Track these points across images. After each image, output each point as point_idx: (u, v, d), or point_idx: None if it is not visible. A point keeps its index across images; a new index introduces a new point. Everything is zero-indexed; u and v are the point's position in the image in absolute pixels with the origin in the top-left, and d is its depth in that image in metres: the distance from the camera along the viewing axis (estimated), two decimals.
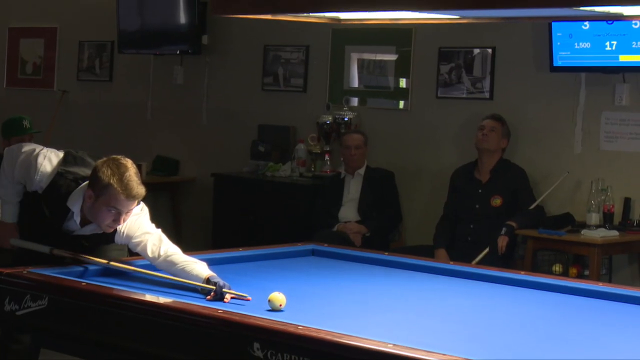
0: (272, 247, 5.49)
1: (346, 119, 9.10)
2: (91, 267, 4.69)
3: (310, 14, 4.66)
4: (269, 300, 4.06)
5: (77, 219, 5.09)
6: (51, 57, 11.64)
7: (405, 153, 8.94)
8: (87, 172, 5.05)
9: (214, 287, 4.39)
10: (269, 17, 4.68)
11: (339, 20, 4.90)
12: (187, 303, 4.00)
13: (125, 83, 10.95)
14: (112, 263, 4.80)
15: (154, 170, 10.27)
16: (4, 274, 4.32)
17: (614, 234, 7.55)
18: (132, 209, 4.96)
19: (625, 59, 7.73)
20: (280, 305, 4.05)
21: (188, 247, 5.22)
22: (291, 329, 3.57)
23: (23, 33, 11.94)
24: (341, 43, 9.44)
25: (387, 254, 5.78)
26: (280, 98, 9.88)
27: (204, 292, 4.44)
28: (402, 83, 9.15)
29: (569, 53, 7.97)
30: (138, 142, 10.47)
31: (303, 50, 9.73)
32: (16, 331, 5.28)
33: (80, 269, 4.62)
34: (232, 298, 4.34)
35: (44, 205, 5.13)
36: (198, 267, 4.72)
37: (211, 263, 4.95)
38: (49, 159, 5.14)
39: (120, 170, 4.87)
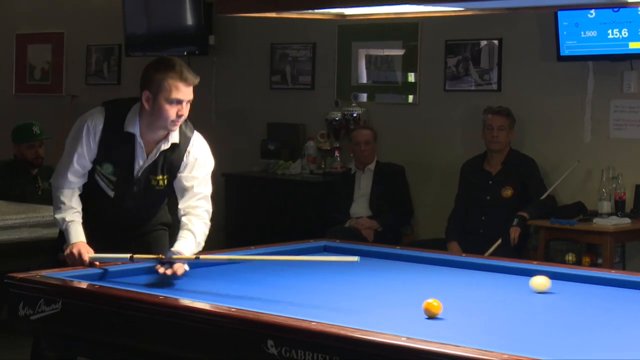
0: (285, 245, 5.49)
1: (355, 115, 9.10)
2: (109, 269, 4.66)
3: (315, 11, 4.66)
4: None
5: (141, 141, 5.16)
6: (59, 62, 11.66)
7: (414, 147, 8.94)
8: (127, 101, 5.27)
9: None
10: (274, 15, 4.68)
11: (344, 15, 4.89)
12: (200, 302, 3.98)
13: (134, 86, 10.86)
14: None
15: None
16: (17, 278, 4.31)
17: (626, 221, 7.54)
18: (190, 99, 5.06)
19: (633, 46, 7.71)
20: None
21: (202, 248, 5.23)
22: (305, 325, 3.56)
23: (31, 39, 11.96)
24: (348, 39, 9.44)
25: (399, 248, 5.78)
26: (288, 96, 9.88)
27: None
28: (410, 77, 9.16)
29: (575, 42, 7.96)
30: None
31: (310, 47, 9.74)
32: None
33: (96, 271, 4.60)
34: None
35: (108, 161, 5.19)
36: (182, 245, 4.92)
37: (218, 263, 5.02)
38: (93, 112, 5.25)
39: (170, 62, 5.04)
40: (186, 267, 4.70)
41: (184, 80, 5.00)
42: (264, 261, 5.08)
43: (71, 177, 5.21)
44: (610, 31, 7.80)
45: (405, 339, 3.37)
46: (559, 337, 3.76)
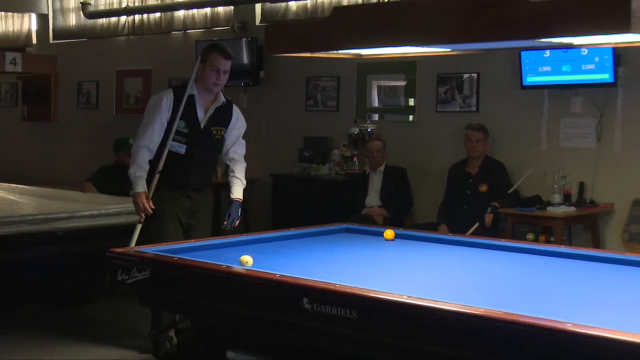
0: (315, 227, 5.50)
1: (369, 130, 9.10)
2: (185, 245, 4.68)
3: (339, 51, 4.66)
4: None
5: (199, 100, 5.68)
6: (147, 90, 11.70)
7: (414, 154, 8.93)
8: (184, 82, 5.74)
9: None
10: (308, 55, 4.68)
11: (361, 55, 4.89)
12: (253, 270, 3.99)
13: None
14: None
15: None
16: (117, 252, 4.34)
17: (572, 209, 7.53)
18: (228, 70, 5.63)
19: (577, 78, 7.71)
20: (247, 262, 4.08)
21: (254, 231, 5.27)
22: (331, 287, 3.57)
23: (127, 74, 12.01)
24: (364, 73, 9.44)
25: (402, 229, 5.78)
26: (319, 116, 9.89)
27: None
28: (410, 102, 9.14)
29: (534, 75, 7.94)
30: None
31: (335, 79, 9.74)
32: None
33: (175, 246, 4.62)
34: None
35: (181, 119, 5.61)
36: (234, 187, 5.84)
37: (267, 240, 5.05)
38: (158, 95, 5.80)
39: (217, 43, 5.80)
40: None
41: (223, 54, 5.61)
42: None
43: (150, 137, 5.64)
44: (560, 67, 7.78)
45: (406, 297, 3.38)
46: (524, 295, 3.77)
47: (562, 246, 5.44)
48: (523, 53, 7.87)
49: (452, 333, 3.17)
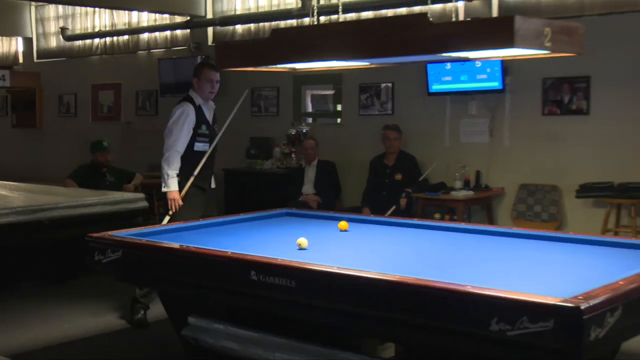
0: (259, 212, 5.45)
1: (304, 131, 9.09)
2: (151, 230, 4.62)
3: (278, 66, 4.63)
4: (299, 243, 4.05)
5: (204, 106, 5.89)
6: (118, 101, 11.56)
7: (341, 150, 8.95)
8: (186, 94, 5.93)
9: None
10: (252, 69, 4.63)
11: (295, 69, 4.86)
12: (209, 249, 3.94)
13: (166, 116, 10.84)
14: None
15: None
16: (94, 237, 4.27)
17: (470, 193, 7.62)
18: (219, 80, 5.88)
19: (473, 85, 7.78)
20: (302, 244, 4.03)
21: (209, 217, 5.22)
22: (273, 261, 3.55)
23: (100, 87, 11.86)
24: (299, 84, 9.43)
25: (332, 212, 5.78)
26: (262, 120, 9.85)
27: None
28: (338, 107, 9.16)
29: (439, 84, 8.00)
30: None
31: (275, 89, 9.71)
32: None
33: (143, 231, 4.55)
34: None
35: (197, 126, 5.82)
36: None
37: (220, 224, 4.98)
38: (182, 107, 5.84)
39: (204, 61, 5.98)
40: None
41: (213, 68, 5.82)
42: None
43: (184, 142, 5.76)
44: (459, 77, 7.85)
45: (336, 268, 3.37)
46: (434, 263, 3.77)
47: (463, 223, 5.47)
48: (429, 66, 7.93)
49: (373, 296, 3.17)
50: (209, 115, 5.93)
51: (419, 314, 3.02)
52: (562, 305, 2.67)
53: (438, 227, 4.85)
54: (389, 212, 7.36)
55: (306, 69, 4.84)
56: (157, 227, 4.72)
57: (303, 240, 4.05)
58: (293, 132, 9.19)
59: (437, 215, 7.56)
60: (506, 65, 7.60)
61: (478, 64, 7.64)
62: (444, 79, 7.95)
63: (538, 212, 7.58)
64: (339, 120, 9.17)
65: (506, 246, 4.25)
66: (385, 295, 3.13)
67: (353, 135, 8.92)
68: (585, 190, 7.10)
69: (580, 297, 2.74)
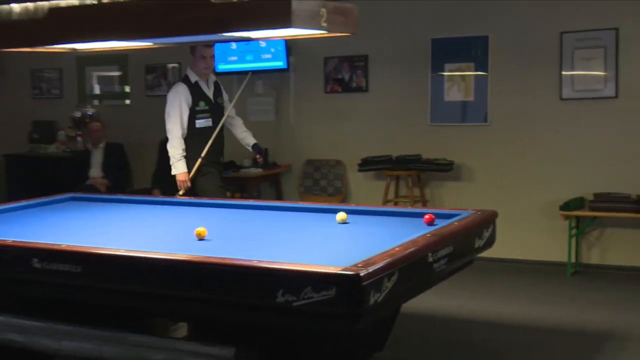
0: (43, 198, 5.23)
1: (90, 113, 8.84)
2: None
3: (57, 46, 4.43)
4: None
5: (201, 82, 6.06)
6: None
7: (130, 132, 8.78)
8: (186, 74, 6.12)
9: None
10: (29, 49, 4.40)
11: (76, 50, 4.68)
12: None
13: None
14: None
15: None
16: None
17: (260, 170, 7.70)
18: (213, 55, 6.06)
19: (258, 65, 7.87)
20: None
21: None
22: (57, 247, 3.43)
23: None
24: (83, 65, 9.15)
25: (122, 195, 5.67)
26: (45, 102, 9.46)
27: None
28: (126, 89, 8.97)
29: (225, 64, 8.02)
30: None
31: (58, 71, 9.34)
32: None
33: None
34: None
35: (195, 104, 5.99)
36: (249, 136, 6.38)
37: (1, 212, 4.73)
38: (174, 89, 6.08)
39: (201, 44, 5.87)
40: None
41: (207, 47, 5.98)
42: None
43: (182, 124, 5.92)
44: (245, 56, 7.91)
45: (123, 250, 3.30)
46: (224, 241, 3.74)
47: (254, 200, 5.55)
48: (217, 45, 7.90)
49: (159, 276, 3.13)
50: (208, 91, 6.09)
51: (206, 291, 3.02)
52: (342, 274, 2.78)
53: (231, 205, 4.88)
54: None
55: (87, 49, 4.68)
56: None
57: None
58: (78, 114, 8.87)
59: (228, 194, 7.56)
60: (290, 45, 7.74)
61: (263, 44, 7.73)
62: (230, 59, 7.97)
63: (324, 187, 7.81)
64: (127, 101, 8.96)
65: (294, 221, 4.36)
66: (171, 274, 3.11)
67: (141, 116, 8.75)
68: (367, 164, 7.40)
69: (360, 265, 2.86)
